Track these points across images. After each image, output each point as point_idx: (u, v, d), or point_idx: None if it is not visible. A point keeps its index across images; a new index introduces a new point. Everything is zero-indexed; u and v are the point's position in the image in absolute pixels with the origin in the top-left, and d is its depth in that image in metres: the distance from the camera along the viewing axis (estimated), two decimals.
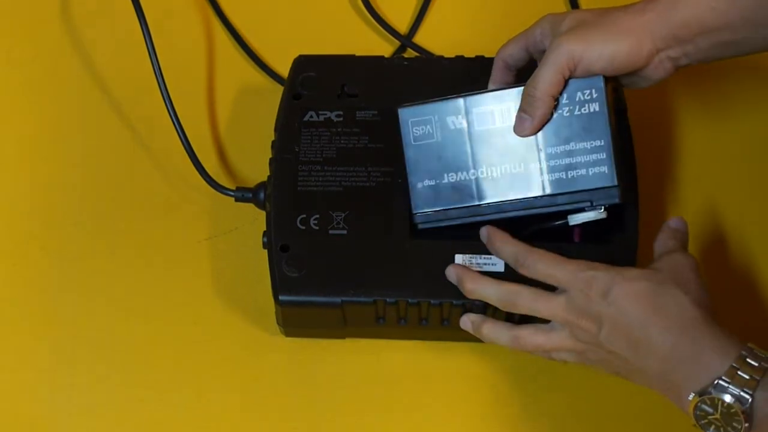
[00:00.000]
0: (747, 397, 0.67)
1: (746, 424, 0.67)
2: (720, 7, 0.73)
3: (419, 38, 0.98)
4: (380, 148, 0.83)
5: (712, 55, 0.75)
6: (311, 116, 0.85)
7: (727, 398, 0.67)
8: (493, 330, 0.77)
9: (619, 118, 0.81)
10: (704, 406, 0.69)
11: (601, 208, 0.76)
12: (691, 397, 0.69)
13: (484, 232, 0.78)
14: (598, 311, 0.72)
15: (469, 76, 0.85)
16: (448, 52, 0.88)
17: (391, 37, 0.98)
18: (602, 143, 0.76)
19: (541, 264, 0.75)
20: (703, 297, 0.72)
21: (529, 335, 0.76)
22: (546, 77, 0.75)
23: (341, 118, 0.84)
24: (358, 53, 0.89)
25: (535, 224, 0.79)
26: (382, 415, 0.82)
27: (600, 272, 0.73)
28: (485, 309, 0.78)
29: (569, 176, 0.77)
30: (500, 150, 0.78)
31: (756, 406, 0.67)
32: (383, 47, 0.98)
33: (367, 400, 0.83)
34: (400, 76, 0.86)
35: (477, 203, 0.79)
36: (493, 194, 0.79)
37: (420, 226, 0.80)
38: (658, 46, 0.74)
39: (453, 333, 0.81)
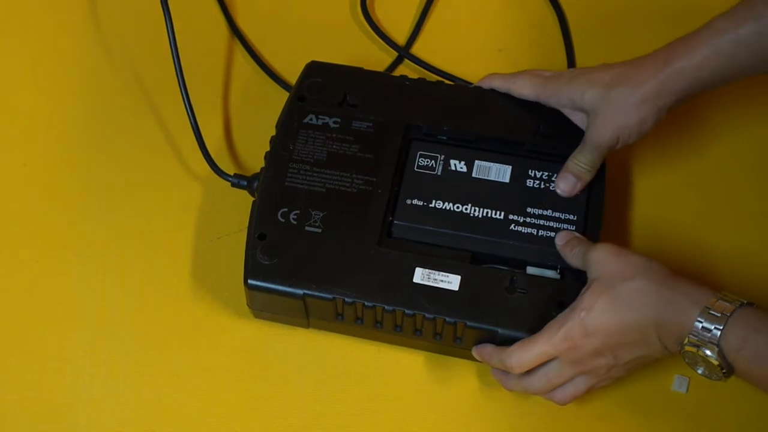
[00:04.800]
0: (714, 346, 0.73)
1: (724, 371, 0.74)
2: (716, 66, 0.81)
3: (417, 49, 1.03)
4: (368, 158, 0.88)
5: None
6: (311, 119, 0.90)
7: (707, 352, 0.74)
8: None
9: (596, 193, 0.88)
10: (687, 361, 0.76)
11: (557, 270, 0.84)
12: (680, 348, 0.75)
13: (476, 353, 0.84)
14: (593, 349, 0.78)
15: (464, 103, 0.91)
16: (445, 63, 0.94)
17: (389, 47, 1.02)
18: (575, 218, 0.86)
19: (522, 356, 0.79)
20: (642, 264, 0.78)
21: (564, 398, 0.82)
22: (593, 159, 0.86)
23: (338, 125, 0.90)
24: (357, 63, 0.94)
25: (496, 264, 0.85)
26: (356, 421, 0.86)
27: (567, 323, 0.78)
28: (435, 326, 0.83)
29: (539, 234, 0.85)
30: (488, 197, 0.87)
31: (726, 353, 0.73)
32: (382, 57, 1.02)
33: (343, 407, 0.87)
34: (400, 93, 0.91)
35: (453, 232, 0.86)
36: (470, 229, 0.86)
37: (394, 234, 0.86)
38: (668, 105, 0.83)
39: (406, 339, 0.86)
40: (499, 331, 0.81)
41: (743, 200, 0.95)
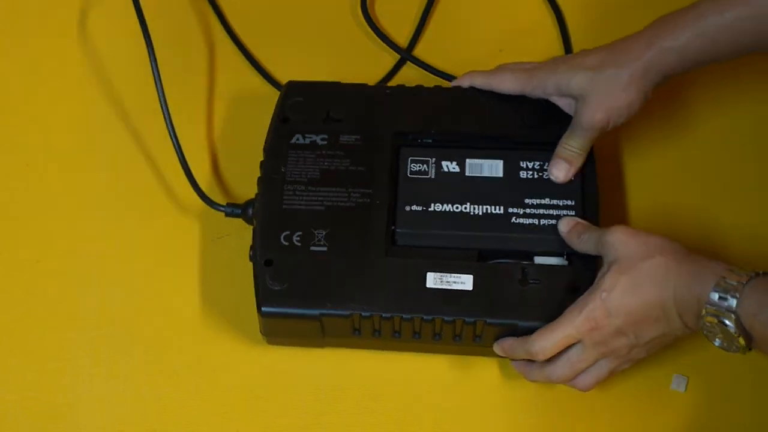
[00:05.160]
0: (731, 314, 0.74)
1: (742, 340, 0.75)
2: (700, 48, 0.83)
3: (418, 50, 1.04)
4: (361, 171, 0.88)
5: None
6: (298, 139, 0.90)
7: (725, 322, 0.75)
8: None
9: (589, 175, 0.89)
10: (706, 333, 0.77)
11: (563, 256, 0.86)
12: (700, 324, 0.77)
13: (498, 348, 0.85)
14: (615, 329, 0.79)
15: (446, 104, 0.92)
16: (445, 64, 0.97)
17: (390, 49, 1.03)
18: (573, 203, 0.87)
19: (545, 341, 0.80)
20: (659, 243, 0.79)
21: (587, 383, 0.83)
22: (583, 143, 0.87)
23: (326, 142, 0.90)
24: (360, 65, 0.96)
25: (503, 258, 0.86)
26: (356, 421, 0.87)
27: (588, 305, 0.79)
28: (454, 328, 0.84)
29: (541, 223, 0.86)
30: (485, 194, 0.87)
31: (743, 321, 0.74)
32: (384, 59, 1.03)
33: (343, 406, 0.88)
34: (382, 103, 0.92)
35: (456, 232, 0.86)
36: (473, 227, 0.87)
37: (399, 242, 0.86)
38: (655, 82, 0.85)
39: (425, 345, 0.86)
40: (519, 323, 0.82)
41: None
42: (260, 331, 0.88)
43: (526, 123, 0.90)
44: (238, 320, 0.90)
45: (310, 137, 0.90)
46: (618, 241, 0.80)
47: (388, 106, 0.92)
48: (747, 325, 0.74)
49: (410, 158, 0.89)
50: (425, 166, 0.89)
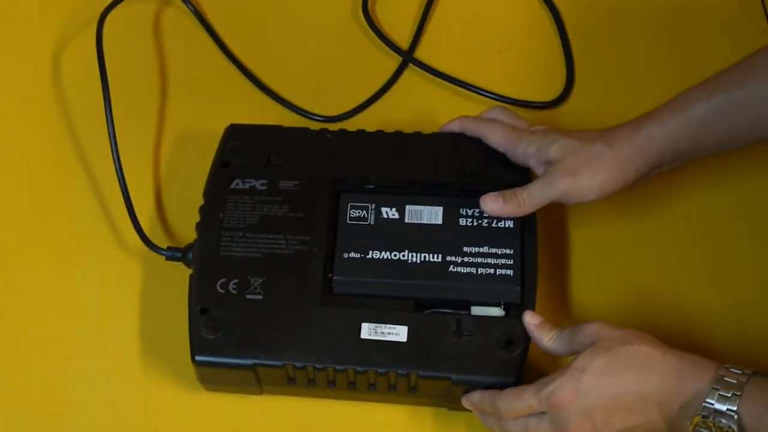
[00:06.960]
0: (733, 415, 0.72)
1: None
2: (690, 134, 0.83)
3: (418, 52, 1.04)
4: (299, 218, 0.88)
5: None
6: (237, 184, 0.90)
7: (721, 421, 0.72)
8: None
9: (529, 225, 0.88)
10: (701, 430, 0.73)
11: (500, 306, 0.85)
12: (688, 423, 0.74)
13: (466, 402, 0.83)
14: (582, 411, 0.76)
15: (389, 151, 0.91)
16: (444, 66, 0.99)
17: (391, 51, 1.04)
18: (511, 252, 0.86)
19: (510, 404, 0.78)
20: (639, 334, 0.77)
21: None
22: (536, 202, 0.85)
23: (265, 187, 0.89)
24: (361, 68, 0.98)
25: (440, 307, 0.85)
26: None
27: (557, 380, 0.76)
28: (388, 379, 0.83)
29: (479, 272, 0.85)
30: (423, 241, 0.87)
31: (745, 423, 0.72)
32: (385, 61, 1.04)
33: None
34: (323, 147, 0.91)
35: (394, 281, 0.86)
36: (410, 275, 0.86)
37: (336, 290, 0.86)
38: (641, 172, 0.83)
39: (360, 395, 0.86)
40: (453, 377, 0.82)
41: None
42: (197, 379, 0.87)
43: (467, 170, 0.89)
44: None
45: (250, 182, 0.90)
46: (597, 327, 0.78)
47: (330, 150, 0.91)
48: (750, 428, 0.71)
49: (349, 204, 0.89)
50: (365, 212, 0.88)
